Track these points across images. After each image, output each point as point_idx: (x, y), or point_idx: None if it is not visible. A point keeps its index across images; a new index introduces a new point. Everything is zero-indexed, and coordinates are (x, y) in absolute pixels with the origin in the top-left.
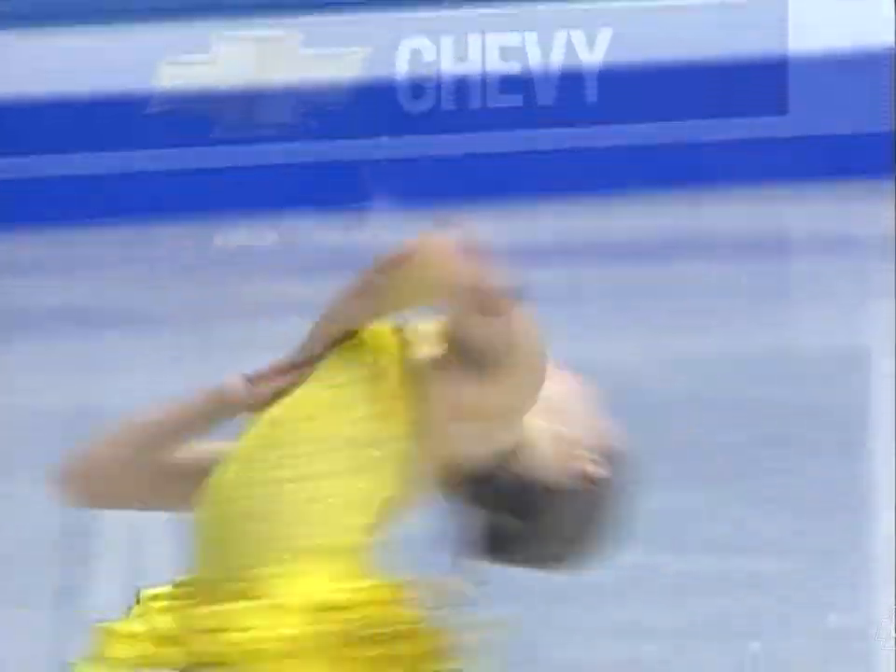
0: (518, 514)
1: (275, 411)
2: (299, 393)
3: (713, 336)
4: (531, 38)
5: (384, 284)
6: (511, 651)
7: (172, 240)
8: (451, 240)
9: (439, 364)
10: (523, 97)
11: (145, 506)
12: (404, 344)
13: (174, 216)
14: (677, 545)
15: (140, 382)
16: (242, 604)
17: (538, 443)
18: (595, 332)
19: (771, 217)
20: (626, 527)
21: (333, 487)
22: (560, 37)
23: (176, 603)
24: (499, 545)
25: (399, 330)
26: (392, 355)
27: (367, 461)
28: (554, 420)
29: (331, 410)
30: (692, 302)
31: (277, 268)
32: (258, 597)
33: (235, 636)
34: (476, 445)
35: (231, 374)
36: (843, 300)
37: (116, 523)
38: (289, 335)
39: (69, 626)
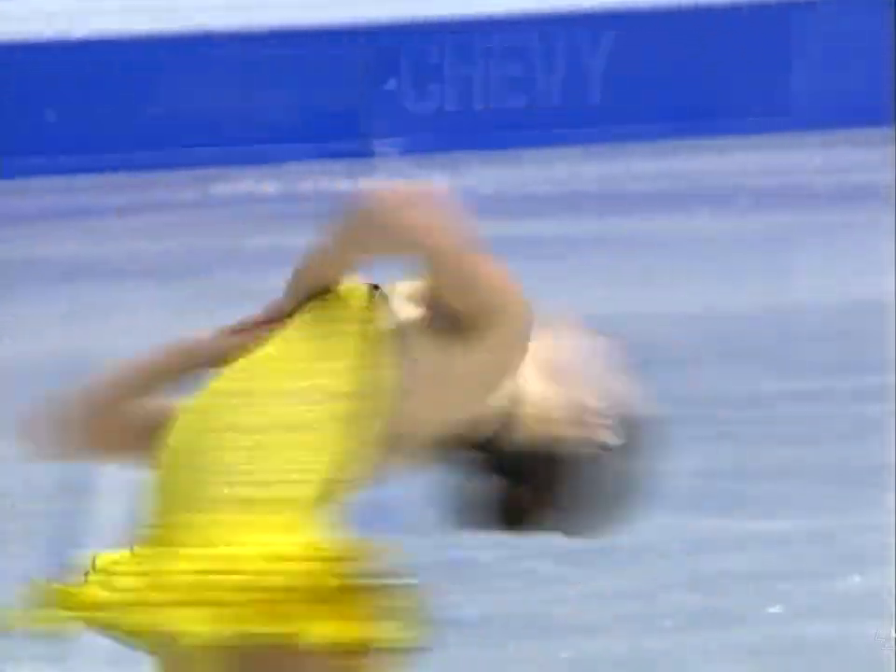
0: (524, 483)
1: (239, 363)
2: (265, 346)
3: (728, 289)
4: None
5: (348, 236)
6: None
7: (169, 188)
8: (413, 190)
9: (415, 323)
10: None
11: (130, 457)
12: (378, 302)
13: (171, 163)
14: (699, 505)
15: (135, 333)
16: (173, 551)
17: (543, 408)
18: (612, 285)
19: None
20: (646, 493)
21: (285, 439)
22: None
23: (136, 566)
24: (507, 514)
25: (374, 288)
26: (364, 311)
27: (323, 415)
28: (562, 382)
29: (291, 362)
30: (702, 254)
31: (279, 217)
32: (196, 546)
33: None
34: (458, 409)
35: (201, 328)
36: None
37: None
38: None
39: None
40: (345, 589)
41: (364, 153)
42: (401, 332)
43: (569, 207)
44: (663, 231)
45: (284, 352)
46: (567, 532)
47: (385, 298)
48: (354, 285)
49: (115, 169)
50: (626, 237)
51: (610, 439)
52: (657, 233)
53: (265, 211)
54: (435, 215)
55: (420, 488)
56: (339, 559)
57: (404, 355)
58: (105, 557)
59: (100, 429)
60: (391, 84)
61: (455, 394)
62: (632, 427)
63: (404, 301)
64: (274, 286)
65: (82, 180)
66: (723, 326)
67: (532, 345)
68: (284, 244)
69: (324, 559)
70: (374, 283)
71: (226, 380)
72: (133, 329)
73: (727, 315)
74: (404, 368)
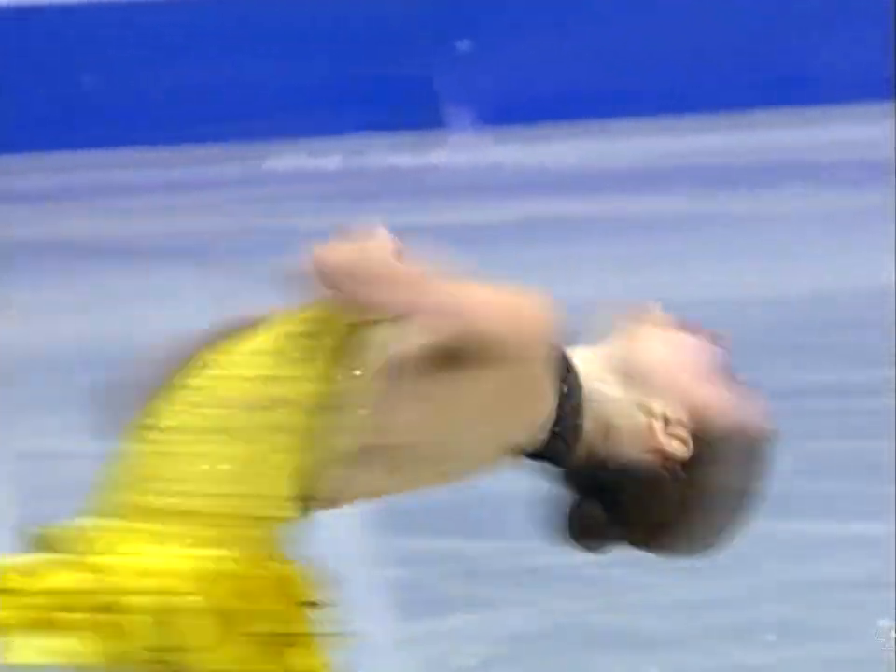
0: (596, 499)
1: (214, 356)
2: (241, 340)
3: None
4: None
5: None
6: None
7: (215, 163)
8: (344, 258)
9: (407, 337)
10: None
11: None
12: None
13: (218, 134)
14: (787, 508)
15: (170, 322)
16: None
17: (611, 413)
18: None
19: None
20: (743, 509)
21: (248, 447)
22: None
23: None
24: (579, 531)
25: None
26: (346, 326)
27: (293, 426)
28: (641, 387)
29: (254, 364)
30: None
31: (339, 194)
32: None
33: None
34: (473, 427)
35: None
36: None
37: None
38: None
39: None
40: (266, 614)
41: (433, 124)
42: (387, 343)
43: (661, 183)
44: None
45: (252, 350)
46: (652, 551)
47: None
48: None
49: (153, 142)
50: (707, 215)
51: (686, 452)
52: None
53: (321, 189)
54: (380, 279)
55: (500, 490)
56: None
57: (391, 367)
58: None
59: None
60: (464, 45)
61: (461, 412)
62: (722, 437)
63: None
64: None
65: (117, 154)
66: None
67: (606, 346)
68: (340, 224)
69: (249, 577)
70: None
71: (188, 377)
72: (169, 317)
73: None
74: (385, 379)
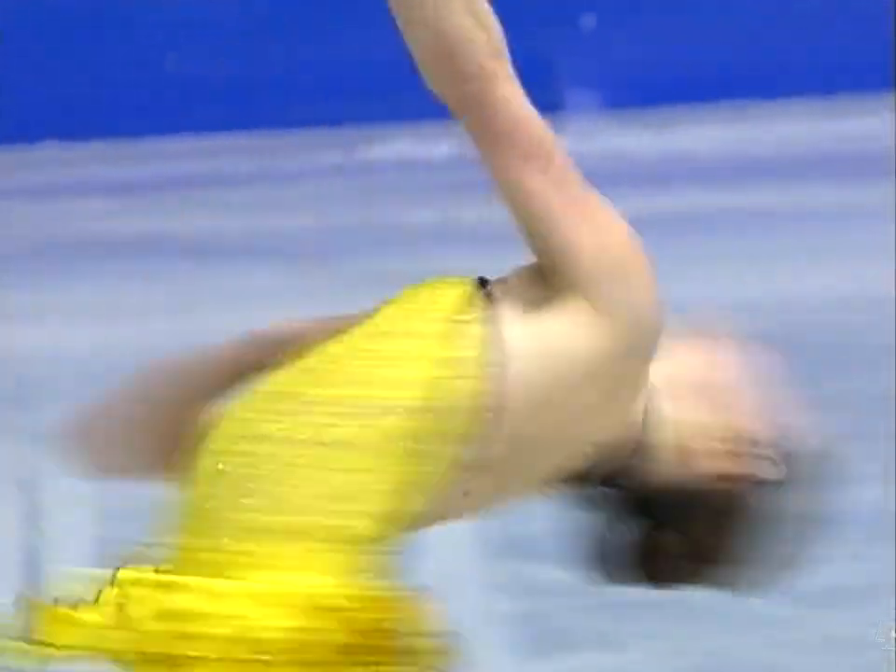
0: (668, 527)
1: (304, 360)
2: (337, 342)
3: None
4: None
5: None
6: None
7: (307, 151)
8: None
9: (521, 318)
10: None
11: (156, 476)
12: (482, 299)
13: (310, 120)
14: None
15: (257, 323)
16: (218, 585)
17: (689, 436)
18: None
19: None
20: (821, 535)
21: (349, 460)
22: None
23: (152, 591)
24: (649, 564)
25: (482, 283)
26: (457, 308)
27: (377, 433)
28: (712, 405)
29: (350, 365)
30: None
31: (448, 186)
32: (237, 579)
33: (204, 626)
34: (580, 418)
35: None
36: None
37: None
38: (459, 270)
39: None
40: (379, 649)
41: (554, 107)
42: (502, 335)
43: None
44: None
45: (345, 352)
46: (726, 586)
47: (492, 296)
48: (454, 277)
49: (242, 128)
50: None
51: (774, 473)
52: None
53: (427, 180)
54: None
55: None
56: (378, 612)
57: (501, 363)
58: (128, 574)
59: (109, 451)
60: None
61: (571, 396)
62: (790, 458)
63: (512, 295)
64: (440, 268)
65: (201, 142)
66: None
67: (673, 362)
68: (451, 219)
69: (362, 610)
70: (482, 277)
71: (275, 382)
72: (256, 318)
73: None
74: (496, 379)
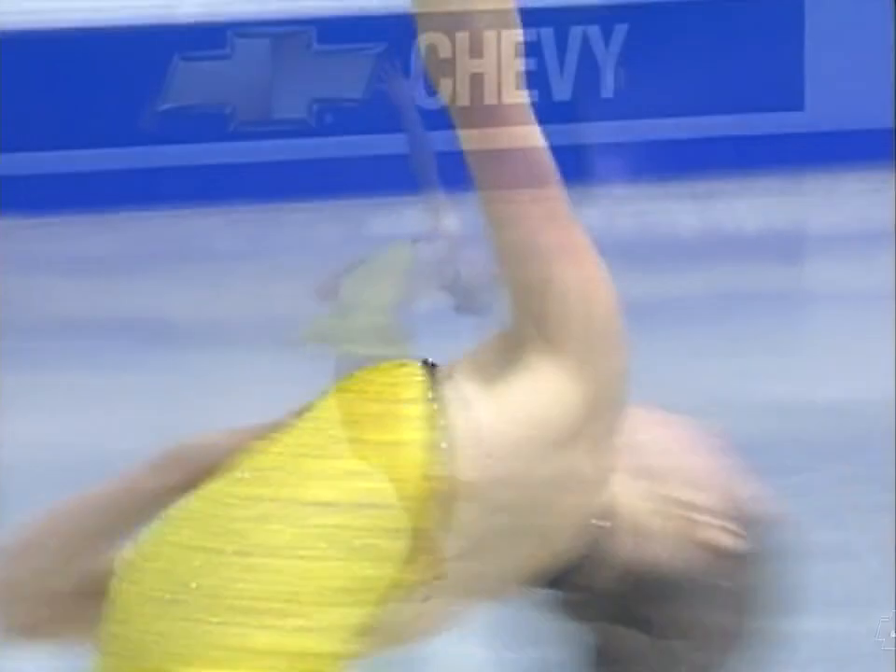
0: (630, 624)
1: (233, 471)
2: (270, 442)
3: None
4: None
5: None
6: None
7: (303, 223)
8: None
9: (484, 399)
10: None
11: (76, 635)
12: (430, 381)
13: (307, 194)
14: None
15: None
16: None
17: (638, 516)
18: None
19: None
20: (787, 604)
21: (316, 567)
22: (576, 33)
23: None
24: (615, 669)
25: (428, 364)
26: (411, 390)
27: (368, 536)
28: (659, 480)
29: (302, 462)
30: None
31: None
32: None
33: None
34: (554, 503)
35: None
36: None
37: None
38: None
39: None
40: None
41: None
42: (448, 413)
43: None
44: None
45: (280, 450)
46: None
47: (439, 373)
48: (402, 360)
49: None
50: None
51: (729, 544)
52: None
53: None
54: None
55: None
56: None
57: (450, 444)
58: None
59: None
60: None
61: (537, 470)
62: (756, 529)
63: (473, 377)
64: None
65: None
66: None
67: (624, 440)
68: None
69: None
70: (427, 359)
71: (226, 482)
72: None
73: None
74: (445, 463)
